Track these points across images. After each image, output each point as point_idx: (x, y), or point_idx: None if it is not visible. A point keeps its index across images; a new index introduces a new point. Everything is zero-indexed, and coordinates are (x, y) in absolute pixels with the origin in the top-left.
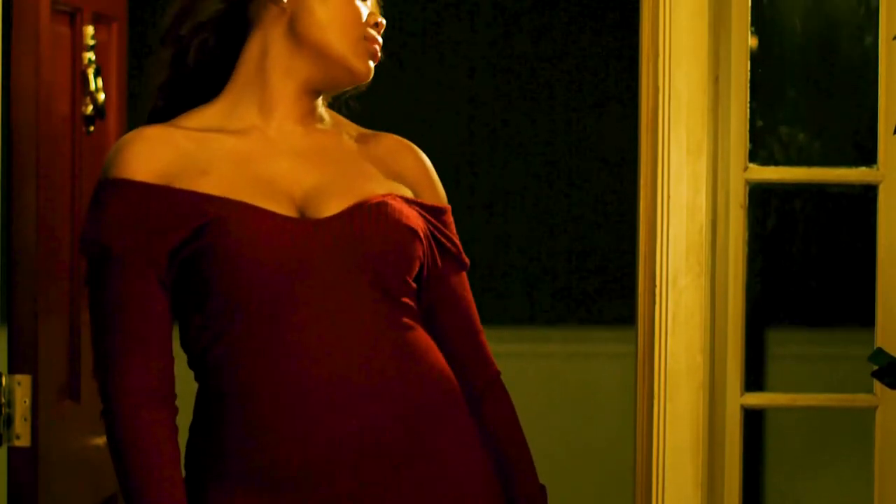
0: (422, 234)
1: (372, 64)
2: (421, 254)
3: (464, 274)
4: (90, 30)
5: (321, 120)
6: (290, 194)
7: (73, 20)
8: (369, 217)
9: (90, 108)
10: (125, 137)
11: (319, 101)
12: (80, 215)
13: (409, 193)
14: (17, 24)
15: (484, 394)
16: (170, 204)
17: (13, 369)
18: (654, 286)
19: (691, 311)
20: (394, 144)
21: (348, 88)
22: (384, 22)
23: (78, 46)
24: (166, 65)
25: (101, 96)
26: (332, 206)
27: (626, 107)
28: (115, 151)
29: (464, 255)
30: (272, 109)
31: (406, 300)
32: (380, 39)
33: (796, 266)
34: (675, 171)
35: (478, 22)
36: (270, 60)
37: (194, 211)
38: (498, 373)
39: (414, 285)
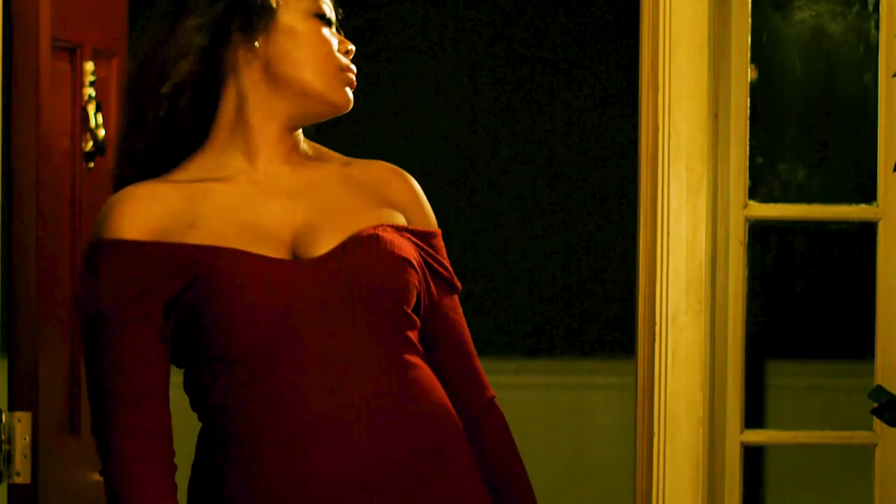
0: (415, 263)
1: (350, 92)
2: (416, 282)
3: (455, 297)
4: (90, 66)
5: (306, 154)
6: (281, 236)
7: (74, 56)
8: (361, 251)
9: (90, 143)
10: (114, 198)
11: (300, 135)
12: (80, 251)
13: (400, 220)
14: (18, 59)
15: (481, 416)
16: (160, 259)
17: (13, 406)
18: (654, 323)
19: (691, 348)
20: (382, 171)
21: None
22: (353, 48)
23: (78, 82)
24: (148, 128)
25: (102, 132)
26: (323, 244)
27: (627, 143)
28: (104, 212)
29: (455, 279)
30: (257, 153)
31: (408, 334)
32: (353, 67)
33: (796, 301)
34: (674, 208)
35: (479, 76)
36: (250, 105)
37: (185, 263)
38: (493, 396)
39: (415, 318)
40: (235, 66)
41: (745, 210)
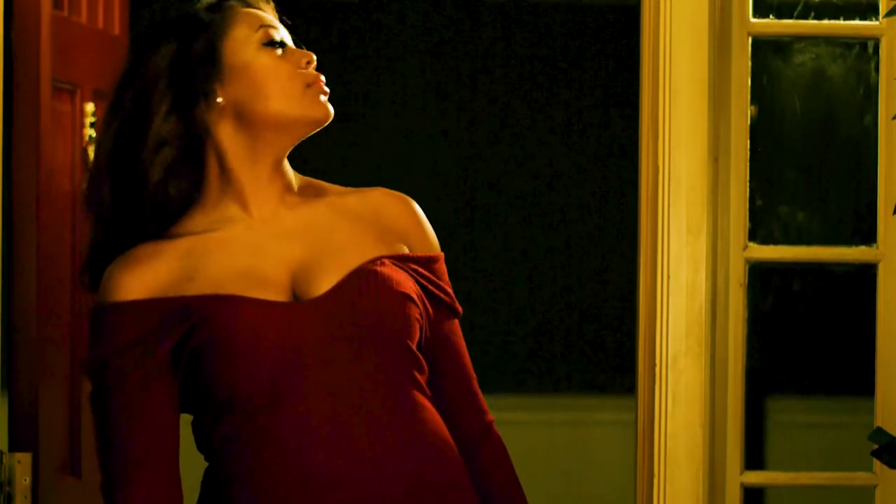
0: (415, 297)
1: (325, 100)
2: (418, 315)
3: (456, 322)
4: (90, 107)
5: (300, 190)
6: (279, 278)
7: (74, 97)
8: (359, 290)
9: None
10: (115, 262)
11: (289, 171)
12: (80, 289)
13: (400, 248)
14: (18, 101)
15: (480, 440)
16: (159, 314)
17: (14, 447)
18: (654, 365)
19: (691, 390)
20: (380, 198)
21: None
22: (314, 57)
23: (78, 123)
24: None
25: None
26: (322, 284)
27: (627, 186)
28: (106, 276)
29: (456, 303)
30: (249, 200)
31: (414, 373)
32: (320, 75)
33: (797, 342)
34: (674, 251)
35: (477, 112)
36: (232, 157)
37: (182, 314)
38: (492, 420)
39: (420, 357)
40: (208, 124)
41: (745, 252)
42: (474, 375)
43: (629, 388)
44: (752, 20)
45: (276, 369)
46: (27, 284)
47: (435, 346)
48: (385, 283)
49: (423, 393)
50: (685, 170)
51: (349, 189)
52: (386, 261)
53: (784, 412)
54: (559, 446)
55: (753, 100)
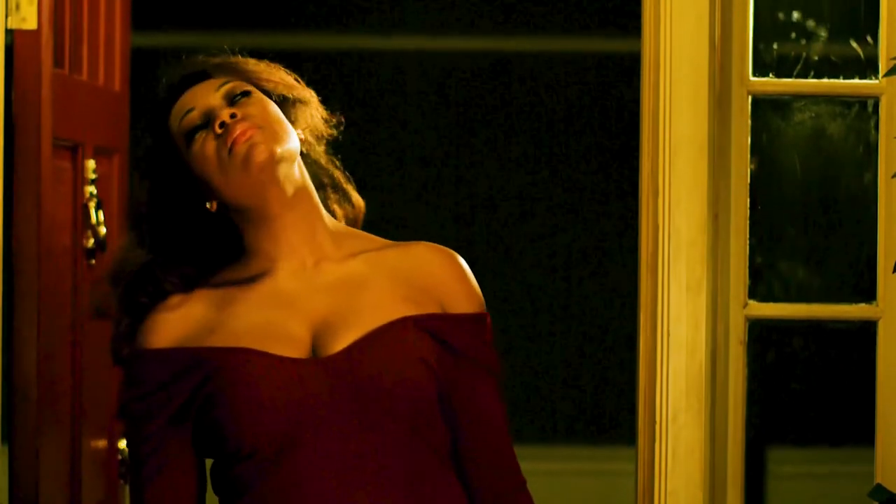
0: (433, 361)
1: (244, 151)
2: (432, 380)
3: (492, 381)
4: (91, 164)
5: (339, 242)
6: (300, 334)
7: (75, 154)
8: (371, 350)
9: (91, 241)
10: (154, 311)
11: (323, 227)
12: (80, 347)
13: (433, 307)
14: (19, 158)
15: (509, 501)
16: (178, 362)
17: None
18: (654, 422)
19: (691, 447)
20: (421, 254)
21: (275, 168)
22: (235, 112)
23: (79, 180)
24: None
25: (103, 230)
26: (338, 343)
27: (626, 242)
28: (141, 326)
29: (495, 363)
30: (277, 257)
31: (429, 441)
32: (233, 131)
33: (796, 398)
34: (674, 309)
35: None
36: (244, 231)
37: (198, 364)
38: (524, 481)
39: (437, 422)
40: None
41: (745, 309)
42: (509, 436)
43: (629, 441)
44: (752, 79)
45: (279, 425)
46: (28, 341)
47: (464, 407)
48: (398, 346)
49: (434, 455)
50: (685, 227)
51: (391, 243)
52: (409, 322)
53: (784, 463)
54: (558, 498)
55: (753, 157)
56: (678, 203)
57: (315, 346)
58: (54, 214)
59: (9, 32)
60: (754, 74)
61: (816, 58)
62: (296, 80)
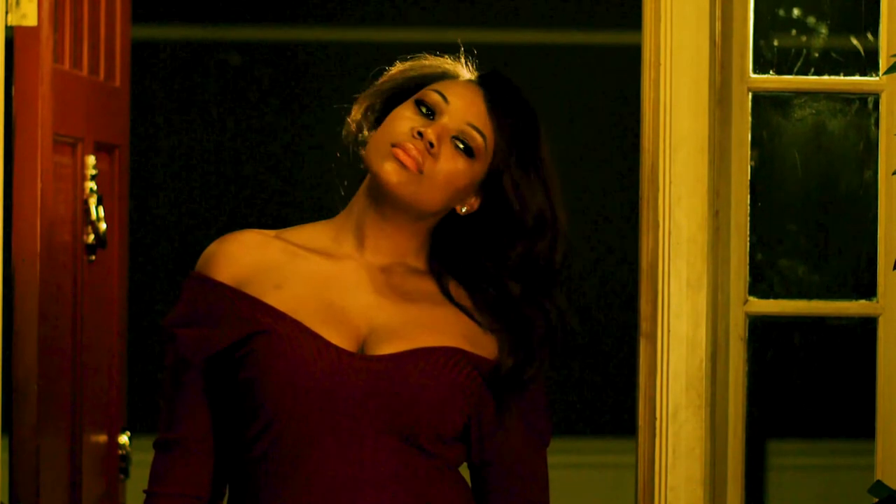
0: (469, 393)
1: (394, 164)
2: (464, 410)
3: (542, 449)
4: (92, 160)
5: (422, 263)
6: (357, 328)
7: (75, 150)
8: (416, 364)
9: (92, 237)
10: (224, 236)
11: (426, 244)
12: (81, 343)
13: (488, 357)
14: (19, 155)
15: None
16: (233, 306)
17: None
18: (655, 419)
19: (691, 444)
20: None
21: (399, 200)
22: (434, 136)
23: (79, 176)
24: None
25: (103, 226)
26: (385, 347)
27: (628, 242)
28: (209, 247)
29: (546, 432)
30: (364, 243)
31: (438, 450)
32: (412, 145)
33: (796, 393)
34: (675, 306)
35: None
36: (359, 192)
37: (252, 318)
38: None
39: (456, 448)
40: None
41: (745, 306)
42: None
43: (629, 432)
44: (753, 76)
45: (304, 407)
46: (28, 337)
47: (512, 471)
48: (437, 368)
49: (447, 472)
50: (685, 223)
51: None
52: (460, 354)
53: (784, 455)
54: (557, 490)
55: (753, 154)
56: (678, 200)
57: (365, 343)
58: (54, 210)
59: (9, 29)
60: (755, 71)
61: (817, 54)
62: (551, 205)
